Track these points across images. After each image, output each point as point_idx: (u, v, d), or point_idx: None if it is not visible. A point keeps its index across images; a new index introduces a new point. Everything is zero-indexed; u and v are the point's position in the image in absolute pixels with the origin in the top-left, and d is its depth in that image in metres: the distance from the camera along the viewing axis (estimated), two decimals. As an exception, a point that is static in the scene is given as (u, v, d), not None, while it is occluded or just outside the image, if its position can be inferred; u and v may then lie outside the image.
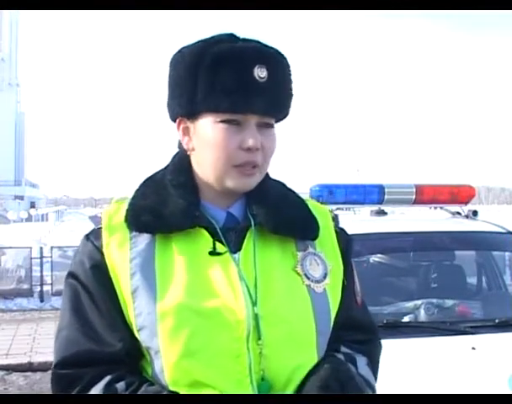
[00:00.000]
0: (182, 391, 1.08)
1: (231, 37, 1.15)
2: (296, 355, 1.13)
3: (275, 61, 1.14)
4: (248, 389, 1.09)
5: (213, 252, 1.13)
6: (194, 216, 1.14)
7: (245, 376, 1.09)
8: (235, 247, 1.15)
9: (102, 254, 1.14)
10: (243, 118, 1.12)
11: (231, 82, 1.10)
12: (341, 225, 1.35)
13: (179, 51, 1.17)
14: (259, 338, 1.10)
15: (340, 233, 1.29)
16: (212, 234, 1.15)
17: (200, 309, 1.09)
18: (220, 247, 1.14)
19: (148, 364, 1.13)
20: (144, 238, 1.14)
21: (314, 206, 1.27)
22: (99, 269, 1.13)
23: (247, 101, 1.10)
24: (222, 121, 1.11)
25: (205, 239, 1.14)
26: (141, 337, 1.10)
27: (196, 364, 1.08)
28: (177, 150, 1.24)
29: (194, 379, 1.08)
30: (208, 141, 1.13)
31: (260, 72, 1.11)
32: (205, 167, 1.16)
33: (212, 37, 1.15)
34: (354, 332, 1.26)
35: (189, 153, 1.19)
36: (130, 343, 1.12)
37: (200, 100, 1.12)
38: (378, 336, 1.31)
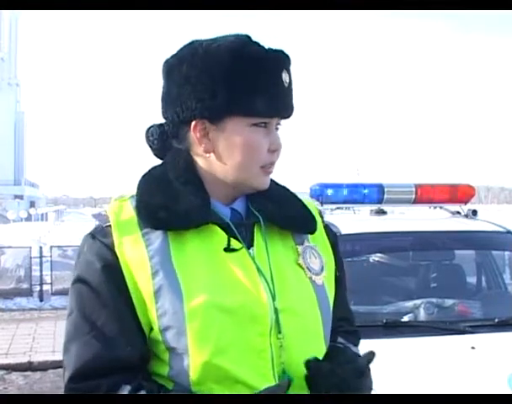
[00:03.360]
0: (208, 388, 1.08)
1: (249, 39, 1.16)
2: (310, 347, 1.16)
3: (290, 65, 1.18)
4: (272, 382, 1.10)
5: (228, 249, 1.14)
6: (209, 213, 1.14)
7: (268, 370, 1.10)
8: (247, 243, 1.16)
9: (114, 253, 1.10)
10: (270, 120, 1.15)
11: (269, 87, 1.13)
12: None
13: (195, 48, 1.14)
14: (279, 332, 1.12)
15: (327, 228, 1.33)
16: (225, 230, 1.15)
17: (226, 306, 1.09)
18: (235, 243, 1.14)
19: (164, 365, 1.11)
20: (156, 235, 1.11)
21: (305, 201, 1.30)
22: (112, 269, 1.09)
23: (280, 105, 1.15)
24: (254, 124, 1.13)
25: (219, 236, 1.14)
26: (165, 337, 1.08)
27: (227, 361, 1.08)
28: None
29: (223, 376, 1.08)
30: (240, 145, 1.13)
31: (286, 77, 1.15)
32: (228, 168, 1.15)
33: (235, 37, 1.15)
34: (346, 323, 1.33)
35: (207, 155, 1.16)
36: (143, 347, 1.10)
37: (238, 104, 1.11)
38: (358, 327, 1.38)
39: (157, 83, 1.21)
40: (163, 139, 1.22)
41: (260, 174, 1.17)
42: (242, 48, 1.12)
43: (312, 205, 1.31)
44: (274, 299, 1.12)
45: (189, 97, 1.12)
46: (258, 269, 1.14)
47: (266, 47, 1.16)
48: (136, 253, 1.10)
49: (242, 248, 1.14)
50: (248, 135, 1.13)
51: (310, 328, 1.17)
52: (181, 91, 1.14)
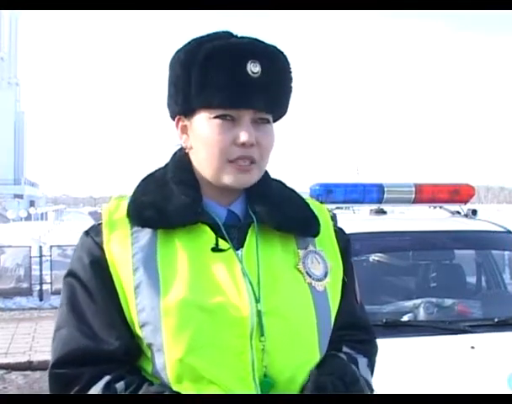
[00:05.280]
0: (185, 387, 1.08)
1: (226, 34, 1.16)
2: (298, 353, 1.13)
3: (270, 57, 1.14)
4: (251, 386, 1.09)
5: (216, 249, 1.13)
6: (198, 212, 1.14)
7: (248, 373, 1.09)
8: (238, 244, 1.15)
9: (102, 250, 1.13)
10: (237, 113, 1.12)
11: (223, 77, 1.10)
12: (339, 224, 1.35)
13: (177, 51, 1.17)
14: (262, 335, 1.10)
15: (339, 232, 1.29)
16: (215, 230, 1.15)
17: (204, 305, 1.08)
18: (223, 244, 1.14)
19: (148, 362, 1.12)
20: (145, 233, 1.13)
21: (314, 204, 1.27)
22: (99, 265, 1.12)
23: (240, 96, 1.10)
24: (216, 117, 1.12)
25: (207, 235, 1.14)
26: (144, 333, 1.09)
27: (200, 361, 1.07)
28: (175, 148, 1.24)
29: (197, 375, 1.07)
30: (203, 138, 1.13)
31: (253, 67, 1.11)
32: (203, 163, 1.16)
33: (208, 35, 1.16)
34: (355, 332, 1.27)
35: (187, 151, 1.19)
36: (128, 342, 1.11)
37: (194, 97, 1.12)
38: (375, 337, 1.32)
39: (157, 83, 1.23)
40: None
41: (231, 170, 1.13)
42: (202, 43, 1.13)
43: (322, 209, 1.28)
44: (258, 301, 1.11)
45: (168, 96, 1.20)
46: (244, 271, 1.13)
47: (234, 39, 1.14)
48: (121, 250, 1.12)
49: (229, 249, 1.14)
50: (208, 128, 1.12)
51: (300, 333, 1.13)
52: (167, 92, 1.20)
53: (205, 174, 1.16)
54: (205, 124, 1.13)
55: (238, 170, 1.13)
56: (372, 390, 1.23)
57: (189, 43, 1.16)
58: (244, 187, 1.17)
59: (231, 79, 1.10)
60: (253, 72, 1.11)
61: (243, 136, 1.11)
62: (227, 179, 1.14)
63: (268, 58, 1.13)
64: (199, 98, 1.12)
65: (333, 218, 1.31)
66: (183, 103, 1.15)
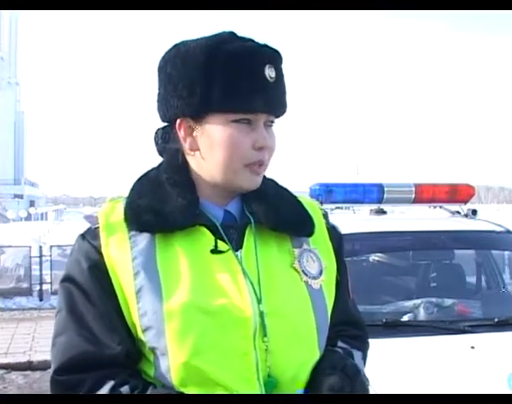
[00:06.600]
0: (190, 390, 1.07)
1: (232, 35, 1.15)
2: (299, 351, 1.14)
3: (279, 61, 1.16)
4: (255, 386, 1.09)
5: (215, 251, 1.13)
6: (195, 214, 1.13)
7: (252, 374, 1.09)
8: (236, 245, 1.15)
9: (100, 254, 1.12)
10: (254, 117, 1.13)
11: (247, 81, 1.10)
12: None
13: (178, 48, 1.16)
14: (265, 335, 1.10)
15: (332, 230, 1.30)
16: (213, 232, 1.14)
17: (207, 308, 1.08)
18: (222, 245, 1.14)
19: (150, 365, 1.11)
20: (143, 237, 1.12)
21: (306, 203, 1.28)
22: (97, 269, 1.11)
23: (261, 101, 1.11)
24: (235, 121, 1.11)
25: (206, 237, 1.14)
26: (147, 337, 1.09)
27: (205, 364, 1.07)
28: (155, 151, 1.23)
29: (203, 378, 1.07)
30: (220, 141, 1.12)
31: (271, 72, 1.12)
32: (213, 167, 1.14)
33: (215, 35, 1.15)
34: (349, 328, 1.29)
35: (192, 153, 1.17)
36: (129, 345, 1.10)
37: (215, 100, 1.10)
38: (367, 333, 1.34)
39: (155, 84, 1.21)
40: (166, 140, 1.22)
41: (246, 173, 1.14)
42: (219, 45, 1.11)
43: (314, 208, 1.29)
44: (259, 302, 1.11)
45: (172, 96, 1.15)
46: (244, 272, 1.13)
47: (250, 43, 1.14)
48: (120, 255, 1.11)
49: (228, 250, 1.14)
50: (227, 132, 1.11)
51: (300, 332, 1.14)
52: (166, 91, 1.16)
53: (214, 177, 1.15)
54: (221, 127, 1.12)
55: (252, 173, 1.15)
56: (368, 382, 1.24)
57: (198, 42, 1.14)
58: (253, 189, 1.17)
59: (253, 84, 1.11)
60: (271, 77, 1.12)
61: (262, 141, 1.13)
62: (242, 182, 1.15)
63: (277, 62, 1.15)
64: (221, 102, 1.10)
65: (326, 216, 1.31)
66: (198, 106, 1.12)
